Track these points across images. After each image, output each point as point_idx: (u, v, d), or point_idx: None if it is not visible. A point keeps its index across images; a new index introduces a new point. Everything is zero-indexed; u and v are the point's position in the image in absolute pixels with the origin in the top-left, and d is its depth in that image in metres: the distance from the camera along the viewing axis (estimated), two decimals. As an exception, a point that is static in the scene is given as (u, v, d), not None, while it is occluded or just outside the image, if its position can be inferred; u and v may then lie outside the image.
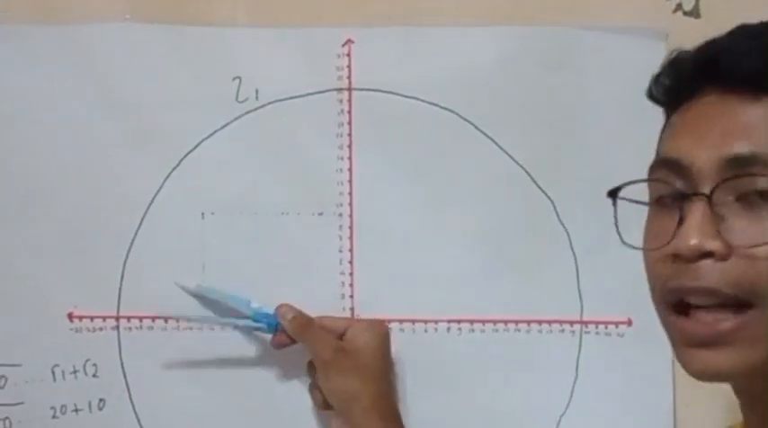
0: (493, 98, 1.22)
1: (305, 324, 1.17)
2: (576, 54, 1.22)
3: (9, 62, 1.22)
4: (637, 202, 0.91)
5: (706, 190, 0.82)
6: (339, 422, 1.17)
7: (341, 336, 1.17)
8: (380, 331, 1.18)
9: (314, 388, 1.19)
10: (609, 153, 1.22)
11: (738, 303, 0.81)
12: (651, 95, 0.95)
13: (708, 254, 0.82)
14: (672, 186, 0.87)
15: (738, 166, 0.81)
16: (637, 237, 1.20)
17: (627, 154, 1.21)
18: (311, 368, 1.19)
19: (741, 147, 0.82)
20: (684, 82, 0.89)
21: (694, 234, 0.82)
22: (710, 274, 0.82)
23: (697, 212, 0.82)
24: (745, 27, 0.89)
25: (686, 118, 0.88)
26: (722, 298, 0.82)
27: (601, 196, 1.21)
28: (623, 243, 0.91)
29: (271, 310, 1.18)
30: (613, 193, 0.93)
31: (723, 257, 0.81)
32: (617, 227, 0.91)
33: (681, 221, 0.83)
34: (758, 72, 0.82)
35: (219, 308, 1.21)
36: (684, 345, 0.85)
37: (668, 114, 0.93)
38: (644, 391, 1.20)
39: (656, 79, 0.94)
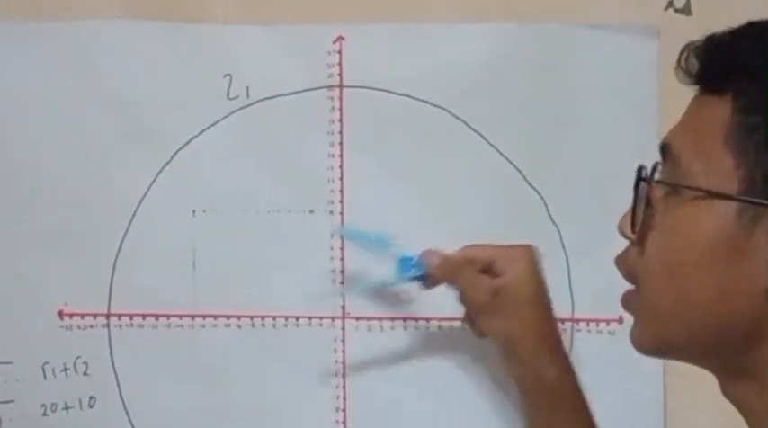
0: (485, 95, 1.22)
1: (453, 268, 1.11)
2: (567, 51, 1.22)
3: (1, 59, 1.22)
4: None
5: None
6: (505, 357, 1.12)
7: (489, 267, 1.11)
8: (531, 256, 1.11)
9: (470, 321, 1.14)
10: (601, 150, 1.22)
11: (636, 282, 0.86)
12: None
13: (625, 237, 0.86)
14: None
15: (662, 157, 0.84)
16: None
17: (619, 151, 1.21)
18: (464, 303, 1.13)
19: (666, 138, 0.84)
20: (687, 76, 0.89)
21: (622, 217, 0.86)
22: (624, 252, 0.87)
23: (637, 198, 0.85)
24: (751, 24, 0.88)
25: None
26: (625, 276, 0.88)
27: (592, 193, 1.22)
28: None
29: (412, 255, 1.14)
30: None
31: (634, 242, 0.85)
32: None
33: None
34: (709, 69, 0.84)
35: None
36: None
37: None
38: (635, 388, 1.20)
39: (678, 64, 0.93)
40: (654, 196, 0.83)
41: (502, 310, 1.10)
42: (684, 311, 0.81)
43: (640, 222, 0.84)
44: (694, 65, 0.86)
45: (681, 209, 0.80)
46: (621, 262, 0.88)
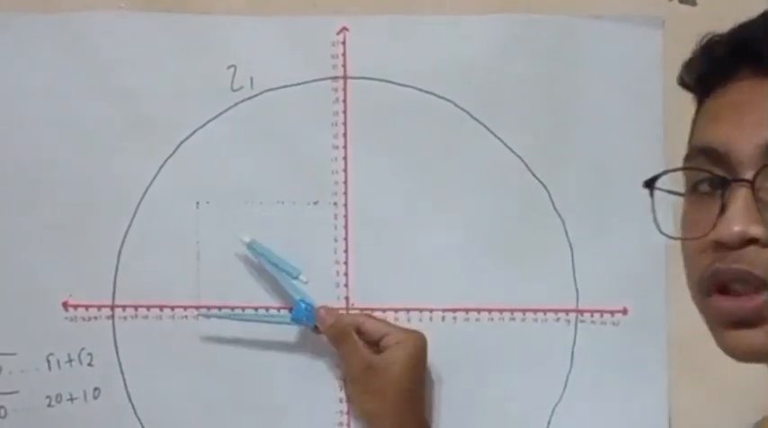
0: (489, 87, 1.22)
1: (340, 335, 1.18)
2: (571, 42, 1.22)
3: (4, 51, 1.22)
4: (671, 193, 0.90)
5: (748, 176, 0.81)
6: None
7: (376, 342, 1.17)
8: (415, 345, 1.17)
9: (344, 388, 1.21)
10: (605, 141, 1.22)
11: None
12: (682, 82, 0.93)
13: (752, 241, 0.81)
14: (710, 174, 0.85)
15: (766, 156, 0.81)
16: (636, 227, 1.21)
17: (623, 142, 1.22)
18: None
19: None
20: (718, 66, 0.87)
21: (738, 220, 0.81)
22: (754, 259, 0.81)
23: (740, 199, 0.81)
24: None
25: (721, 104, 0.86)
26: (760, 283, 0.81)
27: (596, 184, 1.22)
28: (661, 232, 0.89)
29: (312, 299, 1.19)
30: (650, 184, 0.92)
31: (766, 243, 0.81)
32: (655, 217, 0.89)
33: (723, 209, 0.82)
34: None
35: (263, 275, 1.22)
36: (723, 326, 0.84)
37: (700, 100, 0.91)
38: (639, 380, 1.20)
39: (688, 65, 0.92)
40: (762, 187, 0.81)
41: (368, 387, 1.16)
42: None
43: (757, 218, 0.80)
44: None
45: None
46: (752, 265, 0.82)
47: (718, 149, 0.84)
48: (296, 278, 1.19)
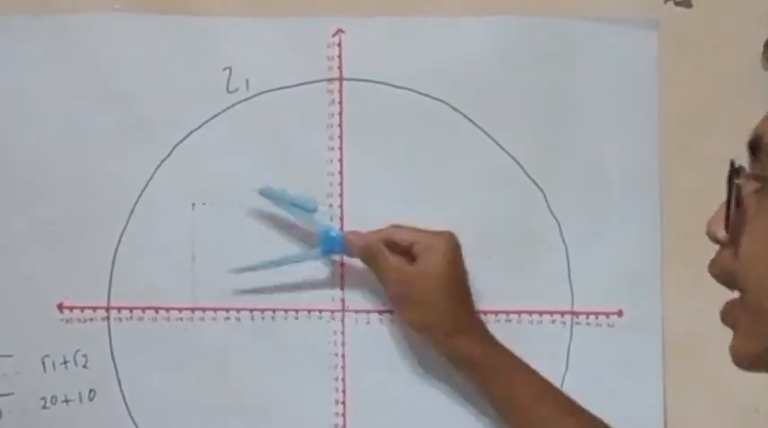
0: (484, 89, 1.22)
1: (372, 253, 1.15)
2: (567, 44, 1.22)
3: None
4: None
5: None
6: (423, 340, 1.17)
7: (407, 250, 1.15)
8: (447, 246, 1.14)
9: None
10: (600, 143, 1.22)
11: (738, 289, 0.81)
12: None
13: (716, 240, 0.82)
14: None
15: (750, 152, 0.80)
16: (632, 229, 1.21)
17: (618, 144, 1.22)
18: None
19: (755, 130, 0.80)
20: None
21: (710, 219, 0.82)
22: (716, 256, 0.82)
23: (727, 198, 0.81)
24: None
25: None
26: (724, 283, 0.82)
27: (592, 186, 1.22)
28: None
29: (335, 232, 1.19)
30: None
31: (727, 244, 0.81)
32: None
33: None
34: None
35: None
36: None
37: None
38: (634, 382, 1.20)
39: None
40: (745, 193, 0.79)
41: (412, 298, 1.14)
42: None
43: (732, 222, 0.79)
44: None
45: None
46: (716, 267, 0.83)
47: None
48: (314, 211, 1.19)
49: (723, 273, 0.82)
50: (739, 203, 0.79)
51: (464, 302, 1.15)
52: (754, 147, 0.80)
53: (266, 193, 1.19)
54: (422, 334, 1.16)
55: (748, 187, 0.79)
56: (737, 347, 0.82)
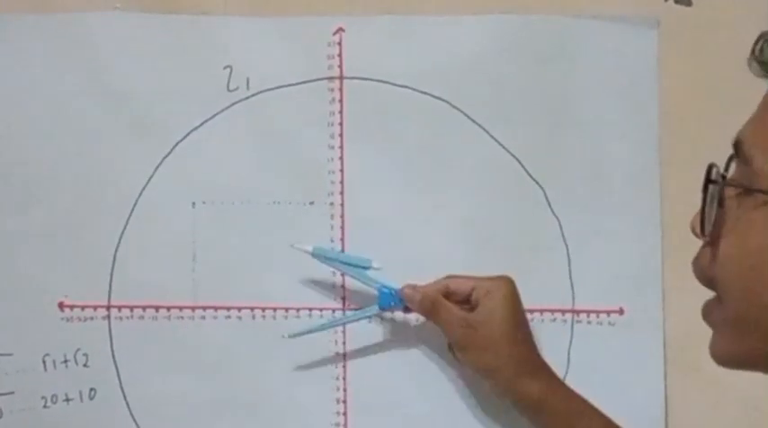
0: (484, 87, 1.22)
1: (431, 305, 1.15)
2: (567, 43, 1.22)
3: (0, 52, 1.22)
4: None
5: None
6: (485, 383, 1.16)
7: (466, 299, 1.15)
8: (507, 290, 1.14)
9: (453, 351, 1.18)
10: (600, 141, 1.22)
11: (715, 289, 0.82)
12: None
13: (697, 236, 0.82)
14: None
15: (735, 154, 0.80)
16: (632, 227, 1.21)
17: (618, 142, 1.22)
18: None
19: (738, 134, 0.80)
20: None
21: (695, 216, 0.82)
22: (698, 255, 0.83)
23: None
24: None
25: None
26: (703, 283, 0.82)
27: (592, 184, 1.22)
28: None
29: (392, 283, 1.19)
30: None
31: (707, 244, 0.81)
32: None
33: None
34: None
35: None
36: None
37: None
38: (635, 380, 1.20)
39: None
40: (727, 195, 0.79)
41: (476, 344, 1.14)
42: (765, 319, 0.77)
43: (712, 222, 0.79)
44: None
45: (754, 211, 0.77)
46: (696, 267, 0.83)
47: None
48: (368, 268, 1.19)
49: (701, 272, 0.83)
50: (722, 204, 0.79)
51: (527, 344, 1.15)
52: (737, 149, 0.80)
53: (318, 254, 1.19)
54: (487, 379, 1.15)
55: (730, 190, 0.79)
56: (716, 346, 0.83)
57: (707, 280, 0.82)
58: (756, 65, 0.82)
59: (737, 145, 0.80)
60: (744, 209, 0.78)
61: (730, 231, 0.79)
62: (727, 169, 0.80)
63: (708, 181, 0.80)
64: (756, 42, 0.82)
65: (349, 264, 1.20)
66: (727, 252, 0.79)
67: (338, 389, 1.22)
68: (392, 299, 1.18)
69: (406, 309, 1.19)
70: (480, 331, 1.13)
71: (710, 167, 0.81)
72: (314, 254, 1.19)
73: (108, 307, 1.22)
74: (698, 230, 0.81)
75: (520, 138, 1.22)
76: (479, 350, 1.13)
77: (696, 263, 0.84)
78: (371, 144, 1.22)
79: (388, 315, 1.21)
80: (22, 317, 1.21)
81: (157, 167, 1.22)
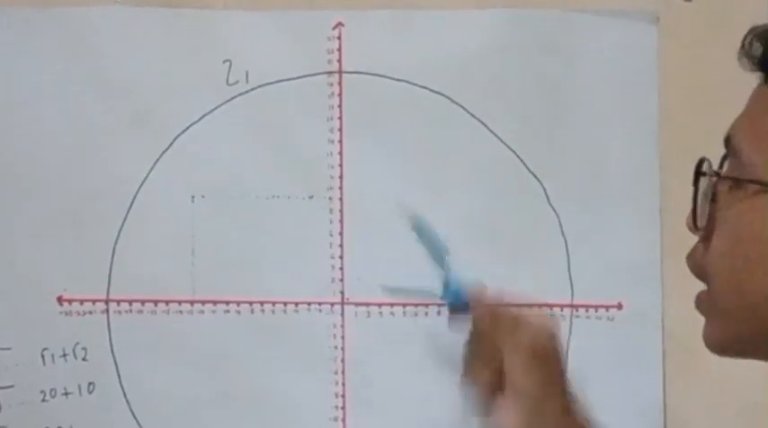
0: (484, 82, 1.22)
1: (500, 329, 0.95)
2: (567, 37, 1.22)
3: (1, 46, 1.22)
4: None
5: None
6: (526, 413, 0.96)
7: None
8: (531, 347, 0.95)
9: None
10: (600, 136, 1.22)
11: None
12: None
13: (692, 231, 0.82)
14: None
15: (726, 150, 0.80)
16: (631, 222, 1.21)
17: (618, 137, 1.22)
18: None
19: (729, 130, 0.79)
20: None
21: (690, 212, 0.81)
22: (693, 249, 0.82)
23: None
24: None
25: None
26: (696, 274, 0.82)
27: (591, 179, 1.22)
28: None
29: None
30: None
31: (702, 238, 0.81)
32: None
33: None
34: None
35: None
36: None
37: None
38: (634, 374, 1.20)
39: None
40: (719, 190, 0.79)
41: (539, 368, 1.03)
42: (752, 309, 0.77)
43: (707, 217, 0.79)
44: (758, 50, 0.80)
45: (744, 203, 0.77)
46: (690, 260, 0.83)
47: None
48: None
49: (695, 266, 0.82)
50: (715, 199, 0.80)
51: (567, 391, 0.97)
52: (727, 144, 0.80)
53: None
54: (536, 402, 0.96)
55: (722, 184, 0.79)
56: (708, 334, 0.82)
57: (699, 273, 0.82)
58: (746, 59, 0.82)
59: (728, 140, 0.80)
60: (735, 201, 0.78)
61: (722, 224, 0.79)
62: (721, 166, 0.80)
63: (698, 174, 0.80)
64: (746, 37, 0.83)
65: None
66: (719, 243, 0.79)
67: (337, 384, 1.22)
68: (455, 294, 1.07)
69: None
70: (546, 358, 0.96)
71: (701, 161, 0.81)
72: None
73: (107, 301, 1.22)
74: (692, 225, 0.81)
75: (519, 133, 1.22)
76: (540, 373, 0.95)
77: (690, 257, 0.84)
78: (371, 138, 1.22)
79: (386, 309, 1.21)
80: (21, 312, 1.21)
81: (156, 161, 1.22)
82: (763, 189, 0.76)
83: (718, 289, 0.80)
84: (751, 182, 0.76)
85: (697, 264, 0.82)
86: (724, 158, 0.81)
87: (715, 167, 0.81)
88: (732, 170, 0.79)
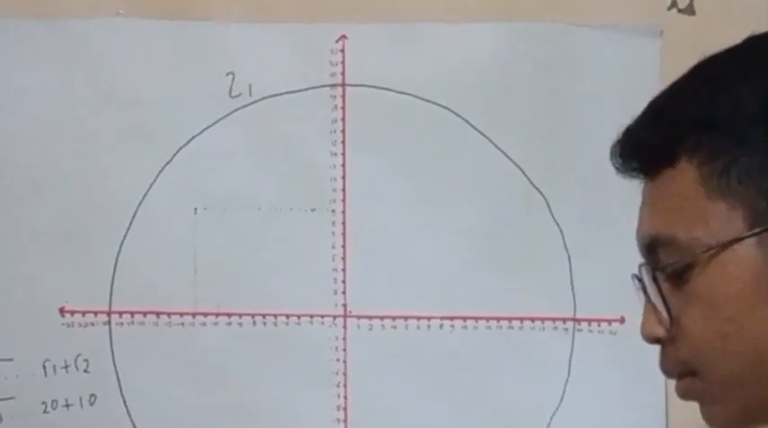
0: (487, 95, 1.22)
1: None
2: (570, 51, 1.22)
3: (2, 57, 1.22)
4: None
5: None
6: None
7: None
8: None
9: None
10: (603, 151, 1.21)
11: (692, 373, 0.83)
12: None
13: (657, 340, 0.84)
14: None
15: (650, 252, 0.83)
16: (628, 233, 1.21)
17: (621, 151, 1.21)
18: None
19: (647, 233, 0.83)
20: (621, 169, 0.90)
21: (643, 324, 0.84)
22: (663, 356, 0.84)
23: (645, 301, 0.84)
24: (652, 103, 0.89)
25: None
26: (678, 375, 0.84)
27: (594, 194, 1.22)
28: None
29: None
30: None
31: (670, 340, 0.83)
32: None
33: None
34: (650, 149, 0.84)
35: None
36: None
37: None
38: (636, 389, 1.20)
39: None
40: (663, 287, 0.82)
41: None
42: (755, 362, 0.79)
43: (668, 314, 0.82)
44: (629, 163, 0.87)
45: (705, 275, 0.79)
46: (666, 364, 0.84)
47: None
48: None
49: (680, 367, 0.83)
50: (661, 293, 0.82)
51: None
52: (652, 246, 0.82)
53: None
54: None
55: (661, 281, 0.82)
56: (711, 415, 0.83)
57: (684, 368, 0.83)
58: (628, 174, 0.87)
59: (653, 242, 0.82)
60: (692, 283, 0.80)
61: (689, 311, 0.80)
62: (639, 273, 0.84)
63: (653, 279, 0.82)
64: (613, 157, 0.88)
65: None
66: (695, 322, 0.80)
67: (338, 396, 1.22)
68: None
69: None
70: None
71: (639, 272, 0.84)
72: None
73: (109, 313, 1.22)
74: (658, 331, 0.83)
75: (522, 147, 1.22)
76: None
77: (668, 363, 0.84)
78: (373, 151, 1.22)
79: (388, 322, 1.21)
80: (23, 323, 1.21)
81: (159, 173, 1.22)
82: (717, 251, 0.78)
83: (713, 364, 0.80)
84: (707, 251, 0.78)
85: (679, 363, 0.83)
86: (640, 268, 0.84)
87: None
88: (675, 256, 0.80)
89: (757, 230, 0.77)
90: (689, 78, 0.88)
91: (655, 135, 0.84)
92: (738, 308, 0.79)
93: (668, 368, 0.85)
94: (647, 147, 0.85)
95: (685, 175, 0.81)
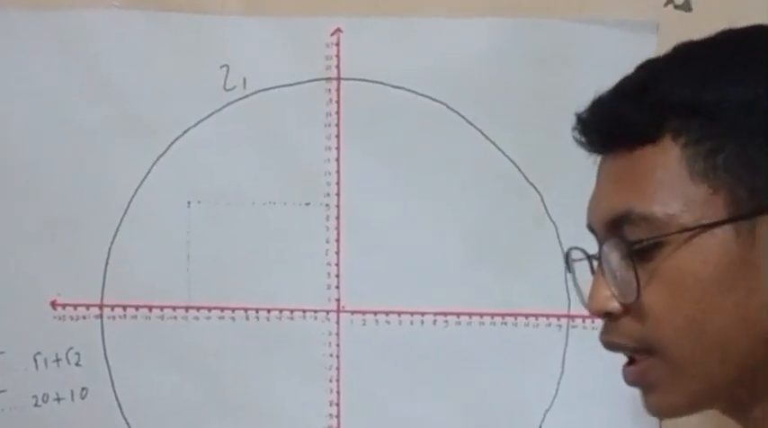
0: (482, 90, 1.22)
1: None
2: (566, 47, 1.22)
3: (-5, 49, 1.22)
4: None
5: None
6: None
7: None
8: None
9: None
10: (599, 147, 1.22)
11: (648, 350, 0.83)
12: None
13: (608, 314, 0.85)
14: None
15: (615, 227, 0.83)
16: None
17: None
18: None
19: (615, 208, 0.83)
20: (581, 144, 0.91)
21: (592, 297, 0.86)
22: (613, 330, 0.86)
23: (595, 275, 0.85)
24: (623, 80, 0.90)
25: (596, 177, 0.90)
26: (632, 350, 0.85)
27: (590, 190, 1.21)
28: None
29: None
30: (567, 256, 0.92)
31: (620, 315, 0.84)
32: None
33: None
34: (632, 126, 0.84)
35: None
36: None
37: None
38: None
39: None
40: (638, 258, 0.82)
41: None
42: (720, 350, 0.80)
43: (632, 288, 0.82)
44: (600, 136, 0.88)
45: (677, 255, 0.80)
46: (619, 338, 0.86)
47: (589, 224, 0.88)
48: None
49: (635, 344, 0.84)
50: (634, 266, 0.82)
51: None
52: (619, 221, 0.83)
53: None
54: None
55: (623, 254, 0.83)
56: (661, 403, 0.85)
57: (639, 347, 0.84)
58: (584, 146, 0.90)
59: (618, 217, 0.83)
60: (662, 260, 0.80)
61: (650, 287, 0.81)
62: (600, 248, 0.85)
63: (596, 258, 0.85)
64: (574, 129, 0.88)
65: None
66: (659, 307, 0.81)
67: (331, 391, 1.21)
68: None
69: None
70: None
71: (600, 244, 0.85)
72: None
73: (101, 306, 1.21)
74: (610, 305, 0.84)
75: (518, 142, 1.22)
76: None
77: (615, 336, 0.86)
78: (368, 145, 1.22)
79: (382, 317, 1.21)
80: (15, 316, 1.21)
81: (152, 166, 1.21)
82: (694, 233, 0.79)
83: (673, 343, 0.81)
84: (683, 231, 0.79)
85: (636, 340, 0.83)
86: (601, 245, 0.85)
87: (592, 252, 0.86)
88: (647, 232, 0.81)
89: (737, 216, 0.78)
90: (672, 59, 0.87)
91: (640, 112, 0.84)
92: (708, 292, 0.79)
93: (620, 342, 0.85)
94: (628, 122, 0.84)
95: (668, 154, 0.81)
